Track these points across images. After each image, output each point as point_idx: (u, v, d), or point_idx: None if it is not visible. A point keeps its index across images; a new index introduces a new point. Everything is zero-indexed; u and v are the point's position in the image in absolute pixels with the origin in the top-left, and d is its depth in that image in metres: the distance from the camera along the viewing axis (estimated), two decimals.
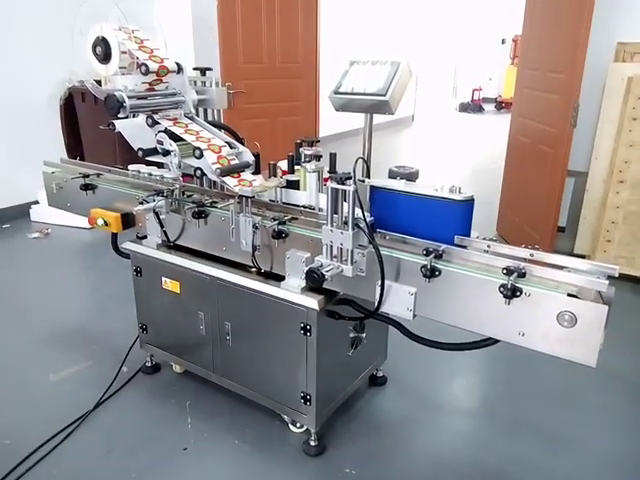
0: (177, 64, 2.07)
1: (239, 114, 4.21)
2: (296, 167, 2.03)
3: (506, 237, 4.25)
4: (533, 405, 2.35)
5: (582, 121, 3.40)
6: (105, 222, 2.22)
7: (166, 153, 2.00)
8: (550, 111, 3.43)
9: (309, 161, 2.06)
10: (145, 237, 2.26)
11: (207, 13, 4.82)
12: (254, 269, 1.97)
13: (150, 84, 2.04)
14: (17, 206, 4.71)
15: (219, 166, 1.91)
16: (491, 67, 14.10)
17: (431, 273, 1.51)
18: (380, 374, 2.41)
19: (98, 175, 2.40)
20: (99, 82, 3.70)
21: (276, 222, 1.80)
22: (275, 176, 2.05)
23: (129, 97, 1.95)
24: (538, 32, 3.71)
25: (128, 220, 2.26)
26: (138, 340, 2.43)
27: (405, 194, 1.66)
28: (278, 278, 1.90)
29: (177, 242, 2.15)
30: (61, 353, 2.65)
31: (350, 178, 1.53)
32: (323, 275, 1.56)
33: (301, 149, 2.11)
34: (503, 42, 13.82)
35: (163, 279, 2.19)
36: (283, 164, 2.21)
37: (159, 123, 2.04)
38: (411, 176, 1.80)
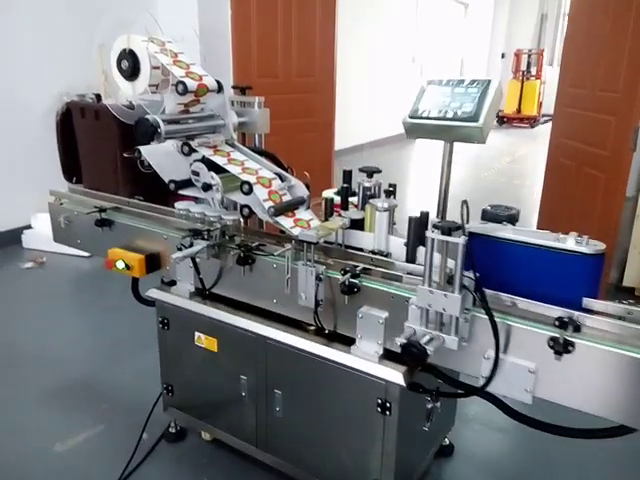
0: (217, 82, 1.75)
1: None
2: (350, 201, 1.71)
3: None
4: None
5: None
6: (127, 265, 1.88)
7: (207, 187, 1.67)
8: (601, 132, 3.16)
9: (369, 195, 1.75)
10: (173, 283, 1.92)
11: (217, 22, 4.50)
12: (312, 327, 1.64)
13: (186, 105, 1.72)
14: (8, 232, 4.30)
15: (272, 204, 1.59)
16: None
17: (564, 348, 1.19)
18: (447, 442, 2.08)
19: (117, 209, 2.05)
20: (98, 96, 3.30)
21: (348, 274, 1.46)
22: (331, 214, 1.73)
23: (164, 121, 1.61)
24: (583, 46, 3.45)
25: (153, 262, 1.91)
26: (160, 401, 2.07)
27: (518, 244, 1.34)
28: (343, 340, 1.56)
29: (214, 290, 1.81)
30: (66, 415, 2.27)
31: (459, 228, 1.21)
32: (425, 351, 1.23)
33: (359, 181, 1.80)
34: (503, 56, 13.72)
35: (197, 334, 1.85)
36: (326, 194, 1.90)
37: (196, 151, 1.71)
38: (511, 218, 1.48)
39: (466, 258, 1.21)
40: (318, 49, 4.55)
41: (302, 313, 1.61)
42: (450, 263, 1.28)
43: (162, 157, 1.83)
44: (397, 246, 1.64)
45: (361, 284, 1.48)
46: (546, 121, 13.06)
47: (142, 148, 1.82)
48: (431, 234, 1.23)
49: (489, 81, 1.55)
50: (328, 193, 1.99)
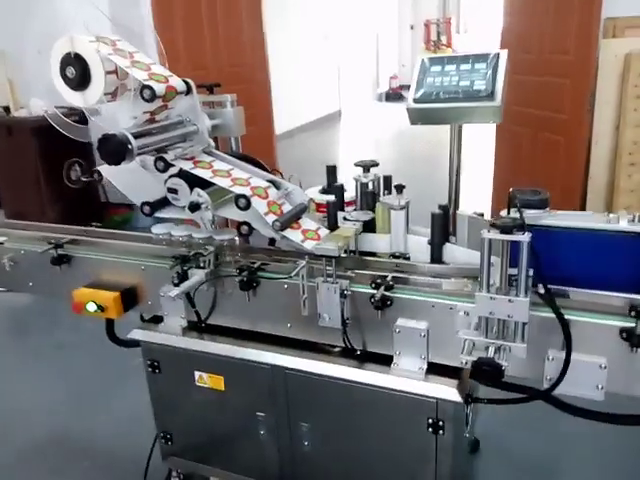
0: (185, 82, 1.49)
1: None
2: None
3: None
4: None
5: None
6: (99, 307, 1.60)
7: (195, 207, 1.43)
8: (556, 96, 3.15)
9: (370, 192, 1.58)
10: (158, 318, 1.66)
11: (130, 18, 4.10)
12: (337, 349, 1.46)
13: (152, 113, 1.46)
14: None
15: (274, 217, 1.38)
16: (403, 54, 14.10)
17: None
18: (472, 437, 1.97)
19: (74, 241, 1.75)
20: (7, 108, 2.96)
21: (382, 288, 1.29)
22: (335, 219, 1.54)
23: (133, 135, 1.35)
24: (524, 9, 3.42)
25: (130, 298, 1.65)
26: (156, 450, 1.82)
27: (568, 231, 1.22)
28: (375, 358, 1.40)
29: (211, 321, 1.58)
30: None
31: (522, 227, 1.06)
32: (501, 368, 1.08)
33: (357, 176, 1.63)
34: (412, 28, 13.86)
35: (197, 374, 1.61)
36: (310, 193, 1.72)
37: (172, 165, 1.46)
38: (544, 203, 1.36)
39: (537, 257, 1.07)
40: (246, 37, 4.26)
41: (323, 335, 1.43)
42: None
43: (127, 177, 1.57)
44: (413, 246, 1.50)
45: (395, 296, 1.31)
46: None
47: (102, 169, 1.55)
48: (489, 234, 1.08)
49: (497, 54, 1.42)
50: (313, 192, 1.80)
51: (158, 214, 1.53)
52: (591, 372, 1.17)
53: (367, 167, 1.64)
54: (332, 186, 1.89)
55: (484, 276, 1.12)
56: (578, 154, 3.03)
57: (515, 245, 1.07)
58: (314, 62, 9.72)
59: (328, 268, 1.33)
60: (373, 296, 1.31)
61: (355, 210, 1.69)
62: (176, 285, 1.42)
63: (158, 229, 1.61)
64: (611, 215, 1.23)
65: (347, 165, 7.29)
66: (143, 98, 1.37)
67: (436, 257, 1.41)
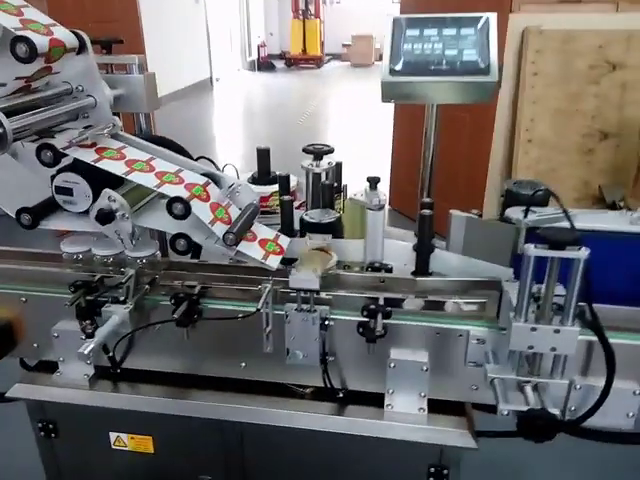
0: (77, 35, 1.04)
1: None
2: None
3: (403, 210, 3.88)
4: None
5: None
6: None
7: (107, 217, 1.00)
8: None
9: (327, 185, 1.28)
10: (50, 364, 1.21)
11: None
12: (309, 389, 1.15)
13: (28, 79, 0.99)
14: None
15: (223, 226, 1.02)
16: (271, 22, 13.63)
17: None
18: None
19: None
20: None
21: (379, 316, 1.00)
22: (291, 221, 1.22)
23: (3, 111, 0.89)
24: None
25: (5, 340, 1.18)
26: None
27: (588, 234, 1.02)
28: (356, 398, 1.12)
29: (129, 365, 1.17)
30: None
31: (576, 243, 0.83)
32: (555, 418, 0.86)
33: (306, 165, 1.32)
34: None
35: (113, 435, 1.20)
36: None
37: (65, 155, 1.02)
38: (542, 199, 1.15)
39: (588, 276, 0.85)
40: None
41: (291, 373, 1.12)
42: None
43: None
44: (389, 252, 1.23)
45: (389, 322, 1.03)
46: (330, 60, 13.36)
47: None
48: (536, 251, 0.83)
49: (487, 18, 1.17)
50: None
51: (45, 225, 1.08)
52: (623, 399, 1.01)
53: (319, 154, 1.32)
54: (265, 175, 1.56)
55: (523, 303, 0.88)
56: (485, 130, 2.97)
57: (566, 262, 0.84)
58: (184, 25, 8.92)
59: (305, 294, 1.01)
60: (363, 325, 1.02)
61: (305, 207, 1.38)
62: (84, 327, 1.00)
63: (70, 247, 1.14)
64: (631, 214, 1.07)
65: (223, 138, 6.84)
66: (16, 56, 0.91)
67: (422, 267, 1.16)
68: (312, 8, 12.53)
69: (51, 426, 1.21)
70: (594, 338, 0.96)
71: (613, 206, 3.26)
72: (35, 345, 1.19)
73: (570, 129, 3.27)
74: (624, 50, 3.06)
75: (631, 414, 1.02)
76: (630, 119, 3.20)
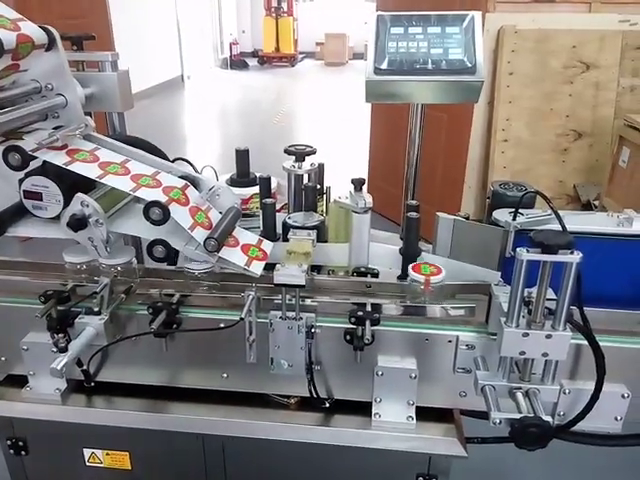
0: (46, 31, 0.98)
1: None
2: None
3: (380, 211, 3.86)
4: None
5: None
6: None
7: (80, 223, 0.95)
8: None
9: (310, 188, 1.24)
10: (19, 378, 1.14)
11: None
12: (293, 400, 1.11)
13: None
14: None
15: (203, 231, 0.97)
16: (243, 19, 13.49)
17: None
18: None
19: None
20: None
21: (368, 323, 0.96)
22: (273, 223, 1.18)
23: None
24: None
25: None
26: None
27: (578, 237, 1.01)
28: (339, 406, 1.09)
29: (103, 377, 1.12)
30: None
31: (569, 246, 0.81)
32: (550, 426, 0.84)
33: (288, 167, 1.28)
34: None
35: (87, 452, 1.14)
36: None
37: (34, 158, 0.96)
38: (528, 201, 1.14)
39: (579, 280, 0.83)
40: None
41: (275, 383, 1.08)
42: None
43: None
44: (373, 257, 1.20)
45: (377, 329, 1.00)
46: (303, 58, 13.29)
47: None
48: (527, 255, 0.81)
49: (472, 16, 1.15)
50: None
51: (13, 232, 1.01)
52: (612, 403, 1.00)
53: (301, 155, 1.29)
54: (244, 176, 1.52)
55: (515, 307, 0.86)
56: (463, 130, 2.98)
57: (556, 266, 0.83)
58: (154, 21, 8.75)
59: (290, 301, 0.97)
60: (350, 333, 0.99)
61: (287, 210, 1.34)
62: (57, 341, 0.94)
63: (73, 256, 1.08)
64: (619, 215, 1.06)
65: (196, 138, 6.72)
66: None
67: (406, 272, 1.13)
68: (285, 6, 12.44)
69: (21, 443, 1.15)
70: (582, 341, 0.95)
71: (588, 205, 3.33)
72: (3, 359, 1.13)
73: (545, 128, 3.31)
74: (597, 50, 3.10)
75: (619, 417, 1.01)
76: (603, 119, 3.25)
